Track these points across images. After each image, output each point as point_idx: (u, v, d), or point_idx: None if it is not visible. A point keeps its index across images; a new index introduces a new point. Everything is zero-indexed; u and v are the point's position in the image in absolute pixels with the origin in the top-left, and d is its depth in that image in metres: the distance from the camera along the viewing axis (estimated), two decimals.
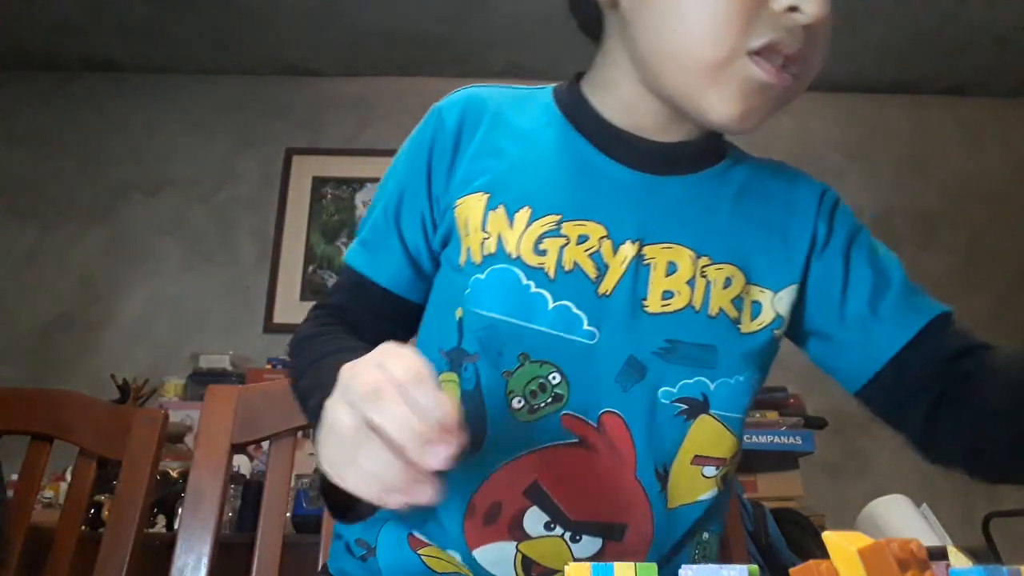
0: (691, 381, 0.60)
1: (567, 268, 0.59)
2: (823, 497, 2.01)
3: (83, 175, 2.74)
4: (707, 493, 0.62)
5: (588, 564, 0.29)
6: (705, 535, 0.64)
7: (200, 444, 0.84)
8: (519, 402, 0.59)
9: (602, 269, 0.60)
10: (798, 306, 0.65)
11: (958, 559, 0.29)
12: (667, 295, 0.60)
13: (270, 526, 0.83)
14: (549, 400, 0.59)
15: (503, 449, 0.59)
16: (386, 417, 0.40)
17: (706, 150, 0.66)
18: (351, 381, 0.43)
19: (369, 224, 0.68)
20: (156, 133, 2.81)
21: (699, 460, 0.61)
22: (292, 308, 2.60)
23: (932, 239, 2.78)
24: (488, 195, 0.62)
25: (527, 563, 0.58)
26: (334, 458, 0.42)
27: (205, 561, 0.79)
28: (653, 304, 0.60)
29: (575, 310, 0.59)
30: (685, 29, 0.56)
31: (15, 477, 0.97)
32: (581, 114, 0.66)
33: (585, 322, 0.59)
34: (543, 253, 0.59)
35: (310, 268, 2.66)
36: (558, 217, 0.60)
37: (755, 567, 0.28)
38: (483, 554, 0.58)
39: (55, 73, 2.84)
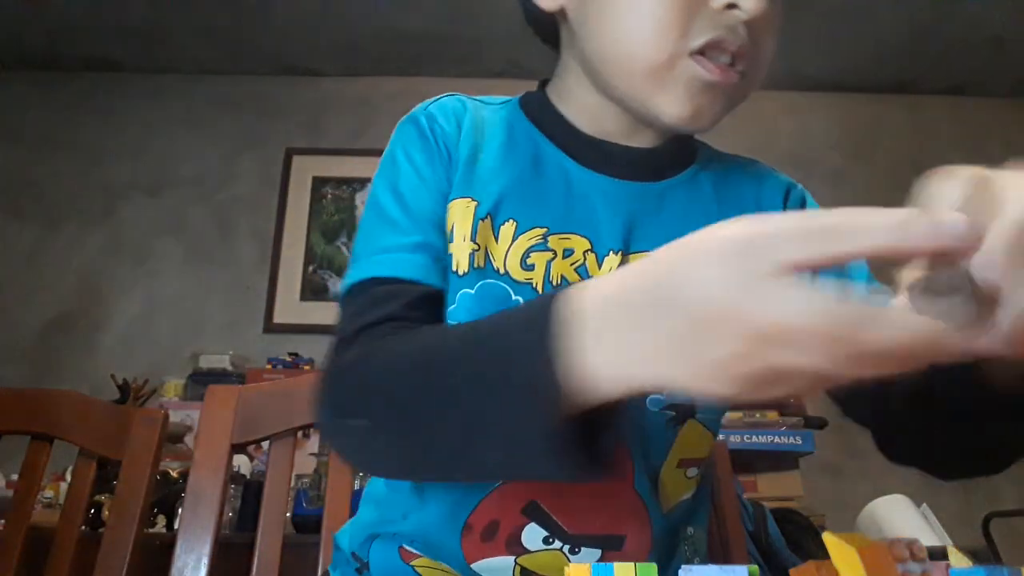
0: None
1: (555, 283, 0.59)
2: (823, 497, 2.01)
3: (83, 175, 2.74)
4: (688, 492, 0.63)
5: (588, 564, 0.29)
6: (690, 530, 0.65)
7: (200, 444, 0.84)
8: None
9: None
10: None
11: (958, 559, 0.29)
12: None
13: (270, 526, 0.83)
14: None
15: None
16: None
17: (677, 154, 0.66)
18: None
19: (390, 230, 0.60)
20: (156, 133, 2.81)
21: (684, 463, 0.62)
22: (292, 308, 2.60)
23: None
24: (476, 203, 0.61)
25: (526, 574, 0.58)
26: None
27: (205, 561, 0.79)
28: None
29: None
30: (626, 35, 0.56)
31: (15, 477, 0.97)
32: (551, 123, 0.65)
33: None
34: (531, 268, 0.59)
35: (310, 268, 2.66)
36: (544, 230, 0.60)
37: (755, 567, 0.28)
38: (481, 566, 0.59)
39: (55, 73, 2.84)
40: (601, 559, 0.59)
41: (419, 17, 2.58)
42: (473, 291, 0.58)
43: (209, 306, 2.61)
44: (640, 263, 0.36)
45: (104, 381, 2.26)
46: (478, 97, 0.69)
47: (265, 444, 0.88)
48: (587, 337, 0.35)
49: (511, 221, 0.60)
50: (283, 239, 2.68)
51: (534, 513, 0.58)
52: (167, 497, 1.63)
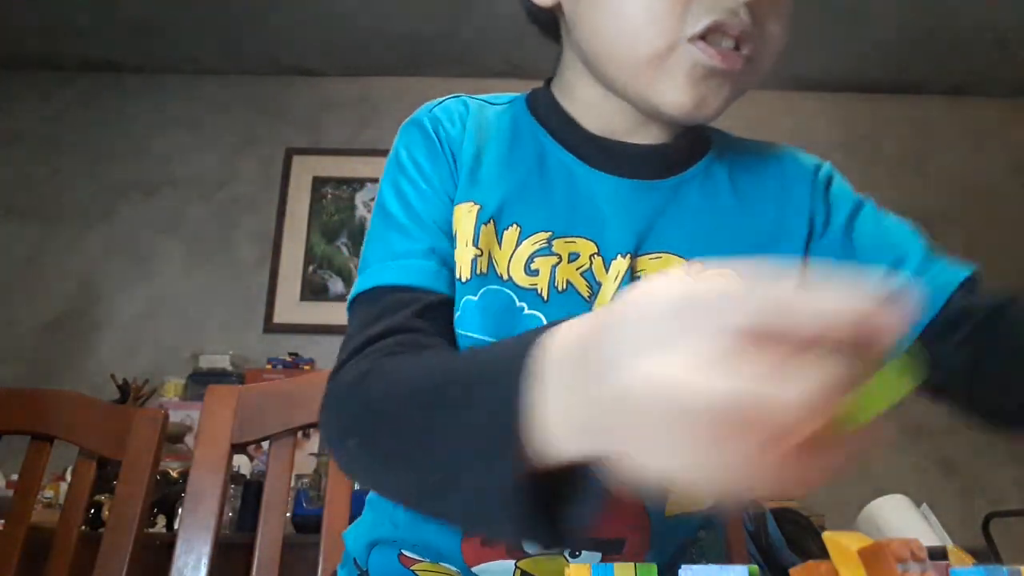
0: None
1: (560, 288, 0.57)
2: (823, 497, 2.01)
3: (83, 175, 2.74)
4: (704, 504, 0.61)
5: (588, 564, 0.29)
6: (702, 533, 0.64)
7: (200, 444, 0.84)
8: None
9: (595, 288, 0.58)
10: None
11: (958, 559, 0.29)
12: None
13: (270, 526, 0.83)
14: None
15: None
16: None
17: (689, 147, 0.63)
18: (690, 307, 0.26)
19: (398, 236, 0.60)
20: (156, 133, 2.81)
21: None
22: (292, 308, 2.60)
23: (931, 239, 2.77)
24: (479, 207, 0.59)
25: None
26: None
27: (205, 561, 0.79)
28: None
29: None
30: (621, 24, 0.54)
31: (15, 477, 0.97)
32: (556, 122, 0.63)
33: None
34: (535, 273, 0.58)
35: (310, 268, 2.66)
36: (548, 234, 0.59)
37: (755, 567, 0.28)
38: (482, 570, 0.59)
39: (55, 73, 2.84)
40: (601, 562, 0.59)
41: (419, 17, 2.58)
42: (476, 298, 0.57)
43: (209, 306, 2.61)
44: (596, 313, 0.32)
45: (104, 381, 2.26)
46: (483, 96, 0.67)
47: (265, 444, 0.88)
48: (542, 391, 0.31)
49: (515, 226, 0.59)
50: (283, 239, 2.68)
51: None
52: (167, 497, 1.63)
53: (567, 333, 0.32)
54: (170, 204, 2.73)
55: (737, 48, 0.53)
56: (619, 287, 0.57)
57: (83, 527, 0.90)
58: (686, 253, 0.59)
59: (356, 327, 0.55)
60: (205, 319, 2.59)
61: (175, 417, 2.00)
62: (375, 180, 2.75)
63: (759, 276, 0.25)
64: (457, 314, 0.58)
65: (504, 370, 0.34)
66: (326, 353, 2.42)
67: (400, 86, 2.80)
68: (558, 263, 0.58)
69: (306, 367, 2.33)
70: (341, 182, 2.75)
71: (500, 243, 0.59)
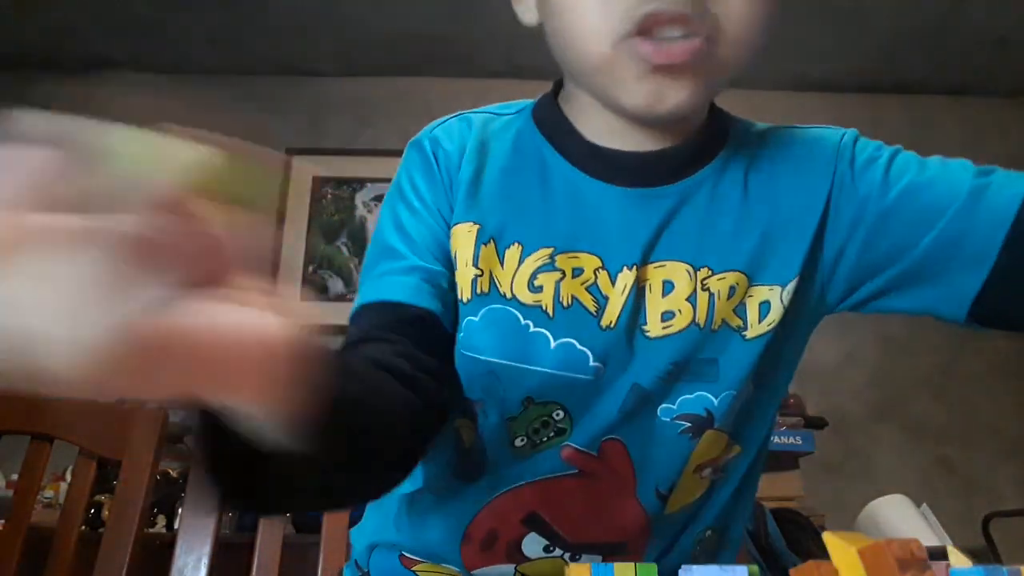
0: (691, 396, 0.57)
1: (566, 304, 0.56)
2: (823, 497, 2.01)
3: None
4: (700, 491, 0.62)
5: (588, 564, 0.29)
6: (708, 532, 0.64)
7: None
8: (522, 441, 0.58)
9: (602, 302, 0.57)
10: (850, 278, 0.59)
11: (958, 559, 0.29)
12: (667, 316, 0.57)
13: (270, 526, 0.83)
14: (552, 435, 0.58)
15: (501, 481, 0.59)
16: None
17: (698, 148, 0.59)
18: None
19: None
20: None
21: (700, 467, 0.61)
22: (292, 308, 2.60)
23: None
24: (478, 227, 0.58)
25: None
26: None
27: (205, 561, 0.79)
28: (653, 328, 0.57)
29: (579, 347, 0.56)
30: (571, 33, 0.53)
31: (15, 477, 0.97)
32: (559, 133, 0.61)
33: (591, 358, 0.56)
34: (539, 290, 0.57)
35: (310, 268, 2.66)
36: (550, 250, 0.57)
37: (755, 567, 0.28)
38: (481, 573, 0.59)
39: (55, 73, 2.84)
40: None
41: (419, 17, 2.58)
42: (477, 318, 0.57)
43: None
44: None
45: None
46: (490, 108, 0.65)
47: None
48: None
49: (516, 244, 0.58)
50: (283, 239, 2.68)
51: (534, 523, 0.58)
52: (167, 497, 1.63)
53: None
54: None
55: (687, 36, 0.49)
56: (626, 300, 0.56)
57: (83, 527, 0.90)
58: (693, 259, 0.57)
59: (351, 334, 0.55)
60: None
61: (175, 417, 2.00)
62: (375, 180, 2.77)
63: None
64: (460, 335, 0.57)
65: None
66: None
67: (400, 86, 2.80)
68: (562, 279, 0.57)
69: None
70: (341, 182, 2.75)
71: (502, 263, 0.58)
